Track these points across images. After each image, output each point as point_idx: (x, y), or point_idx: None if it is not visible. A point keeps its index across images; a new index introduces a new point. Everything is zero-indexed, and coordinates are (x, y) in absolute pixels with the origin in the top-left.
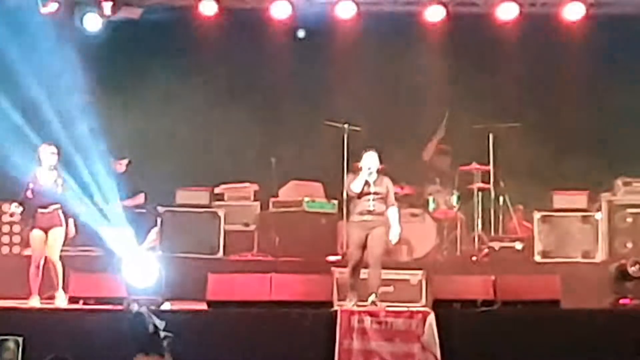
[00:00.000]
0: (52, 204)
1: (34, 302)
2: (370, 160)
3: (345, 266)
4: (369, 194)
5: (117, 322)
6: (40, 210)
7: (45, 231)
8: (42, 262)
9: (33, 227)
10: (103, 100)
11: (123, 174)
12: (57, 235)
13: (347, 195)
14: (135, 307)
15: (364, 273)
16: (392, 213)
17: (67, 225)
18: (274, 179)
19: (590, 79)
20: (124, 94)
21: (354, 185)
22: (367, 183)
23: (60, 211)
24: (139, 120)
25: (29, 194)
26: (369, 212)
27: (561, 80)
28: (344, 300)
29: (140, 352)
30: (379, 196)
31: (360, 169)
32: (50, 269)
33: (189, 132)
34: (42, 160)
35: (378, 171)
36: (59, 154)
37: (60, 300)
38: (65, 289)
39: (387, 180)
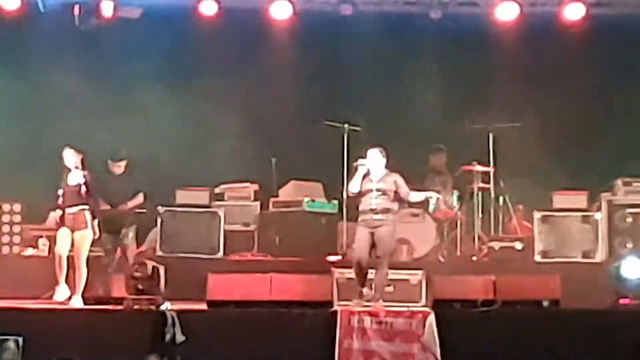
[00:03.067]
0: (77, 204)
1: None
2: (367, 158)
3: (345, 266)
4: (370, 191)
5: (118, 322)
6: (67, 210)
7: (72, 231)
8: (64, 261)
9: (60, 226)
10: (102, 99)
11: (121, 175)
12: (81, 238)
13: (347, 195)
14: (165, 306)
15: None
16: (414, 196)
17: (92, 227)
18: (274, 179)
19: (590, 78)
20: (123, 93)
21: (351, 185)
22: (368, 180)
23: (85, 212)
24: (139, 120)
25: (61, 198)
26: (372, 211)
27: (561, 80)
28: (345, 300)
29: (152, 353)
30: (383, 193)
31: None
32: (74, 271)
33: (189, 132)
34: (66, 162)
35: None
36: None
37: (77, 302)
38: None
39: (395, 177)
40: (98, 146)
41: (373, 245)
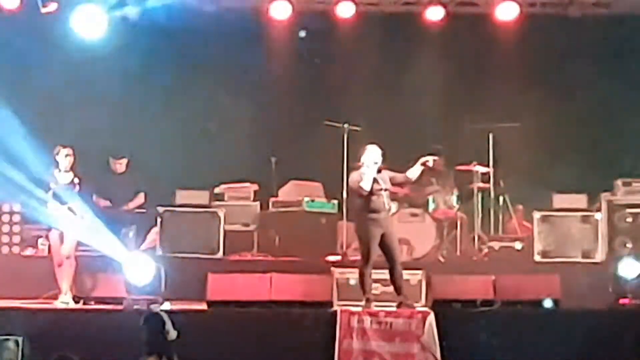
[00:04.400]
0: (64, 204)
1: (64, 299)
2: (375, 154)
3: (345, 266)
4: (381, 189)
5: (118, 322)
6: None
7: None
8: (63, 261)
9: (51, 227)
10: (102, 100)
11: (123, 173)
12: (70, 237)
13: (347, 194)
14: (155, 308)
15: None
16: (413, 173)
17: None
18: (274, 179)
19: (590, 78)
20: (123, 93)
21: (364, 183)
22: (375, 179)
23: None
24: (139, 120)
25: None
26: (387, 210)
27: (561, 80)
28: (344, 300)
29: (150, 353)
30: (388, 192)
31: (362, 164)
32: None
33: (189, 132)
34: (59, 161)
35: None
36: (74, 155)
37: (67, 298)
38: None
39: (385, 172)
40: (99, 146)
41: (381, 244)
